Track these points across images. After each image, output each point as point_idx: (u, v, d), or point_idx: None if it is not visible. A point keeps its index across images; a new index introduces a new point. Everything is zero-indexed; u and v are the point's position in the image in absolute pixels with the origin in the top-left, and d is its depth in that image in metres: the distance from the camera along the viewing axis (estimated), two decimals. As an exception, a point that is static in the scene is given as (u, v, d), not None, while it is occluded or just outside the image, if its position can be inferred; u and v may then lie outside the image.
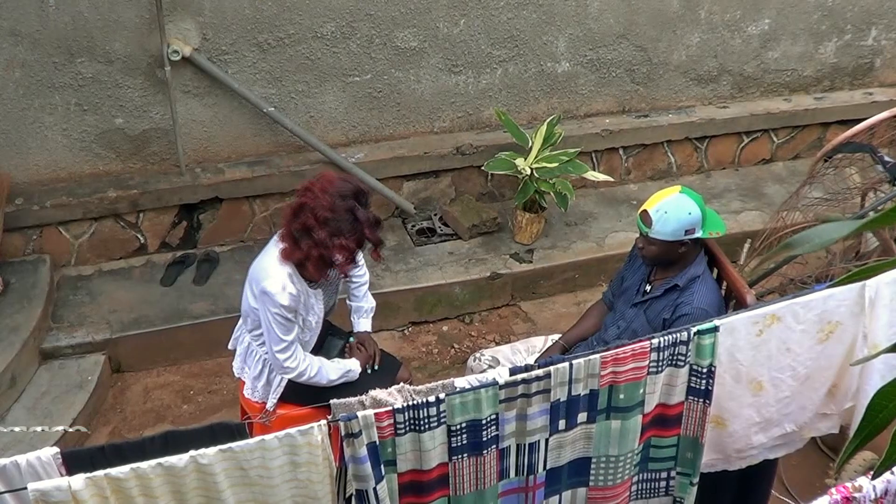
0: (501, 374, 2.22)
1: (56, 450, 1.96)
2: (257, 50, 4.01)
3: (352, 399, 2.20)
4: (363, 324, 3.09)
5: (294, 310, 2.65)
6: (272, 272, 2.62)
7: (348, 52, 4.17)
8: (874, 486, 2.03)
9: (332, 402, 2.21)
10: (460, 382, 2.20)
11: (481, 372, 3.02)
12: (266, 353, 2.76)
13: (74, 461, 1.97)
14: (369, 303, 3.12)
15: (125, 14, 3.74)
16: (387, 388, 2.21)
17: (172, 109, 3.92)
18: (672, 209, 2.67)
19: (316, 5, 4.01)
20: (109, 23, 3.74)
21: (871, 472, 2.09)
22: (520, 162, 4.16)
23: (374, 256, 2.76)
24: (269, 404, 2.84)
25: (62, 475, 1.95)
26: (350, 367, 2.87)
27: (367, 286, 3.11)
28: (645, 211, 2.73)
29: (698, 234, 2.72)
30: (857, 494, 2.01)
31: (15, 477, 1.91)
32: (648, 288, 2.88)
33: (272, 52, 4.04)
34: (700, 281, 2.75)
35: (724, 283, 2.93)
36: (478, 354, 3.15)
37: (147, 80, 3.90)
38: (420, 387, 2.21)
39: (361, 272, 3.07)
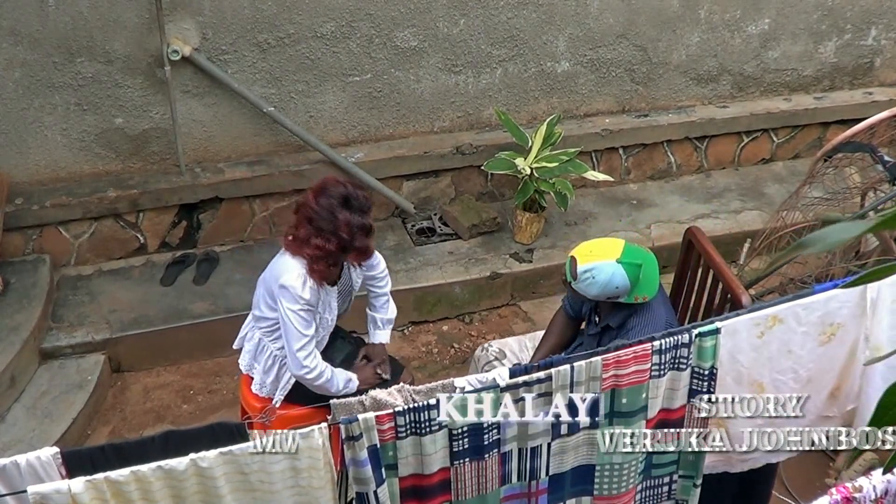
0: (502, 375, 2.22)
1: (56, 449, 1.96)
2: (257, 50, 4.01)
3: (351, 399, 2.20)
4: (379, 335, 3.04)
5: (314, 304, 2.67)
6: (291, 267, 2.65)
7: (348, 51, 4.17)
8: (874, 487, 2.03)
9: (331, 401, 2.22)
10: (460, 382, 2.20)
11: (487, 363, 3.03)
12: (279, 349, 2.77)
13: (74, 461, 1.97)
14: (387, 314, 3.06)
15: (125, 14, 3.73)
16: (387, 389, 2.22)
17: (172, 109, 3.92)
18: (600, 277, 2.57)
19: (316, 5, 4.01)
20: (109, 23, 3.74)
21: (871, 472, 2.09)
22: (520, 162, 4.16)
23: (352, 260, 2.76)
24: (276, 400, 2.84)
25: (62, 475, 1.95)
26: (351, 377, 2.86)
27: (386, 297, 3.06)
28: (574, 259, 2.61)
29: (621, 300, 2.64)
30: (857, 495, 2.00)
31: (15, 477, 1.91)
32: (597, 319, 2.84)
33: (272, 51, 4.04)
34: (636, 314, 2.66)
35: (720, 285, 2.92)
36: (486, 345, 3.14)
37: (147, 79, 3.90)
38: (420, 387, 2.21)
39: (382, 283, 3.04)
